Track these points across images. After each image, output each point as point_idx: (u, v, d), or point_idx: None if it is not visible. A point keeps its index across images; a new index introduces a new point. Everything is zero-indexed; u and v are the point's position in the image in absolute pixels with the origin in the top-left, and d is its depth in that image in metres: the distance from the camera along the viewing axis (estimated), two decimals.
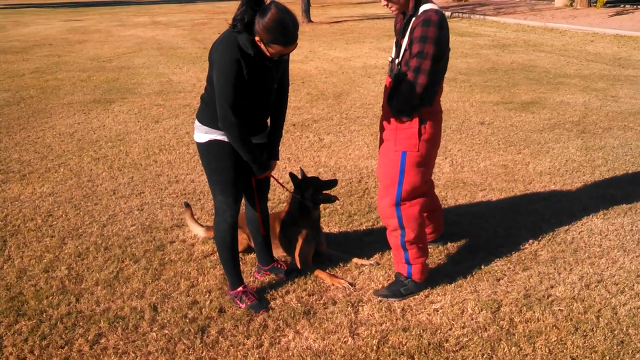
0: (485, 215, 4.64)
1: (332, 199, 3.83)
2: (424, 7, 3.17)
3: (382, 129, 3.54)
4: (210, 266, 3.89)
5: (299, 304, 3.44)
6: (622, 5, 20.68)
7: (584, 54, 12.50)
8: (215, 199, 3.32)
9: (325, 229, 4.43)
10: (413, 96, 3.18)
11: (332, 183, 3.85)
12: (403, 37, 3.27)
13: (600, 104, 8.08)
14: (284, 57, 3.08)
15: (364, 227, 4.46)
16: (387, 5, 3.28)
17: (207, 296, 3.54)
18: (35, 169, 5.88)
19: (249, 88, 3.00)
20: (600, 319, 3.23)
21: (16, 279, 3.77)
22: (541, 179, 5.39)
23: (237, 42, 2.92)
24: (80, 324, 3.27)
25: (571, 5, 21.68)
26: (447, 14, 23.17)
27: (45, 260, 4.00)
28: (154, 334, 3.18)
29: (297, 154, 6.21)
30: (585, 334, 3.10)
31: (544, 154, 6.06)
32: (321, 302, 3.47)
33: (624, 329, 3.14)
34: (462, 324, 3.22)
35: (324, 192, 3.83)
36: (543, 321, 3.22)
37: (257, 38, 2.88)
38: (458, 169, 5.63)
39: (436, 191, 5.11)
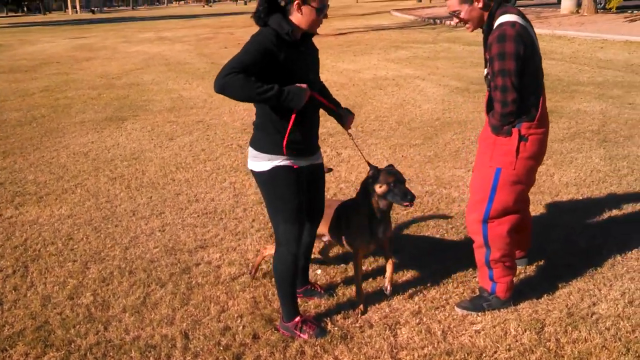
0: None
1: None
2: (500, 20, 3.08)
3: (480, 140, 3.48)
4: (239, 289, 3.78)
5: (335, 328, 3.32)
6: (630, 12, 20.62)
7: (595, 61, 12.42)
8: (277, 228, 3.17)
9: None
10: (507, 113, 3.11)
11: (407, 198, 3.28)
12: (485, 51, 3.20)
13: (618, 112, 7.98)
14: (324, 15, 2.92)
15: (394, 245, 4.34)
16: (461, 22, 3.23)
17: (239, 321, 3.42)
18: (52, 190, 5.80)
19: (289, 77, 2.88)
20: None
21: (41, 307, 3.66)
22: (568, 190, 5.28)
23: (271, 28, 2.85)
24: (111, 354, 3.16)
25: (577, 12, 21.64)
26: (452, 23, 23.19)
27: (69, 287, 3.90)
28: None
29: None
30: (638, 354, 2.98)
31: (567, 164, 5.95)
32: (357, 325, 3.36)
33: None
34: (507, 347, 3.10)
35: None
36: (591, 341, 3.10)
37: (296, 3, 2.81)
38: None
39: (462, 205, 5.01)
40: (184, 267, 4.10)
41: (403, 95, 9.76)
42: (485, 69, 3.26)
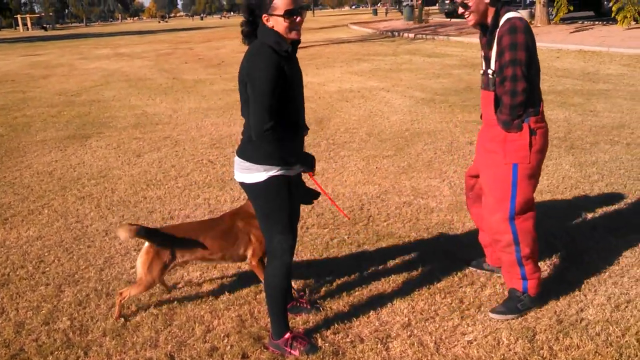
0: None
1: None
2: (506, 16, 3.18)
3: (483, 141, 3.50)
4: (223, 308, 3.67)
5: (326, 344, 3.24)
6: (580, 22, 21.28)
7: (553, 70, 12.72)
8: (272, 240, 3.08)
9: (336, 261, 4.27)
10: (517, 104, 3.17)
11: (316, 195, 3.46)
12: (490, 49, 3.27)
13: (581, 119, 8.16)
14: (301, 17, 2.85)
15: (377, 257, 4.30)
16: (464, 13, 3.28)
17: (226, 341, 3.31)
18: (18, 211, 5.57)
19: (290, 90, 2.86)
20: None
21: (15, 334, 3.48)
22: (542, 197, 5.33)
23: (267, 45, 2.81)
24: None
25: (531, 23, 22.21)
26: (410, 35, 23.48)
27: (43, 311, 3.71)
28: None
29: None
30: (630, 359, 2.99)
31: None
32: (348, 340, 3.29)
33: None
34: (502, 356, 3.08)
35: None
36: (583, 348, 3.11)
37: (264, 17, 2.80)
38: (458, 191, 5.54)
39: (441, 215, 5.02)
40: (163, 288, 3.96)
41: (370, 107, 9.79)
42: (488, 69, 3.31)
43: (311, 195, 3.42)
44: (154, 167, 6.83)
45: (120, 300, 3.55)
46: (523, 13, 22.76)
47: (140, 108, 10.68)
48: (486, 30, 3.31)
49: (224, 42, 25.60)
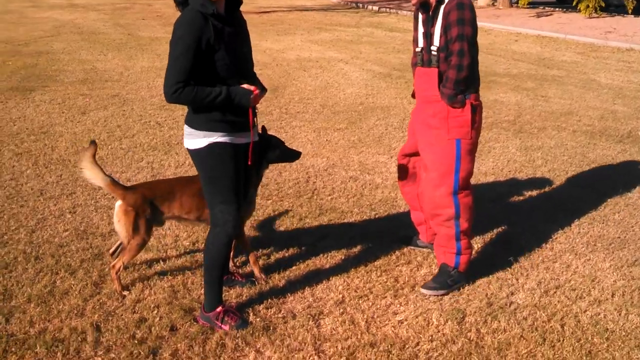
0: None
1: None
2: None
3: (422, 118, 3.55)
4: (156, 277, 3.59)
5: (258, 319, 3.22)
6: (541, 7, 21.48)
7: (510, 53, 12.81)
8: (214, 209, 3.03)
9: (276, 234, 4.23)
10: (462, 79, 3.27)
11: (297, 154, 3.64)
12: (433, 25, 3.33)
13: (532, 104, 8.26)
14: None
15: (317, 232, 4.28)
16: None
17: (155, 312, 3.25)
18: None
19: (220, 57, 2.81)
20: (564, 327, 3.21)
21: None
22: (486, 179, 5.40)
23: (195, 10, 2.76)
24: (13, 349, 2.91)
25: (493, 5, 22.31)
26: (375, 8, 23.32)
27: None
28: (99, 358, 2.87)
29: None
30: (553, 344, 3.06)
31: (486, 153, 6.08)
32: (280, 315, 3.27)
33: (589, 338, 3.13)
34: (430, 337, 3.11)
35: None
36: (509, 331, 3.17)
37: None
38: None
39: (385, 192, 5.02)
40: (96, 253, 3.86)
41: (327, 77, 9.69)
42: (431, 45, 3.36)
43: (293, 156, 3.60)
44: (99, 126, 6.61)
45: (116, 273, 3.36)
46: None
47: (90, 63, 10.30)
48: (428, 7, 3.38)
49: None
